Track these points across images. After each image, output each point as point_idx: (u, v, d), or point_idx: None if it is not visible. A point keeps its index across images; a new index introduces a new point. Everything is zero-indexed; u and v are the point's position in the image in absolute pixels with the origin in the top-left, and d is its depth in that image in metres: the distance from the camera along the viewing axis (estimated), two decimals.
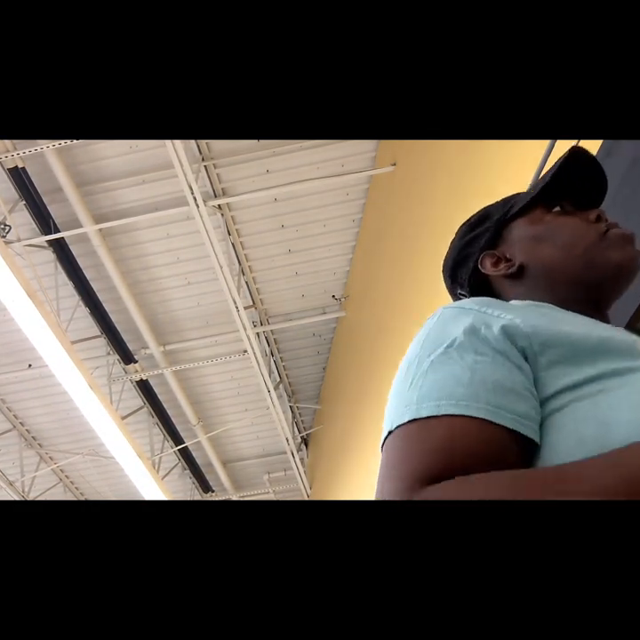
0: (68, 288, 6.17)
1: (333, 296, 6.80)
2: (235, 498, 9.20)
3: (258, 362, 6.32)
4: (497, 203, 1.01)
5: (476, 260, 0.95)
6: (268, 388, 6.61)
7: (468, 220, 1.04)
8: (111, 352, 6.84)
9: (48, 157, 5.28)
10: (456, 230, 1.06)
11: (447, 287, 1.03)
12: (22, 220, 5.65)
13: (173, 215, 5.82)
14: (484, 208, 1.01)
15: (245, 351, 6.35)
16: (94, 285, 6.23)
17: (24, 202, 5.50)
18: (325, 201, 5.93)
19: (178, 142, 4.77)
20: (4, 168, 5.31)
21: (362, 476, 6.00)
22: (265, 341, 7.17)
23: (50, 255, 5.94)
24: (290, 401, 8.03)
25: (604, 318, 0.87)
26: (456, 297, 1.00)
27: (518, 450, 0.63)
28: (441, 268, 1.05)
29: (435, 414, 0.64)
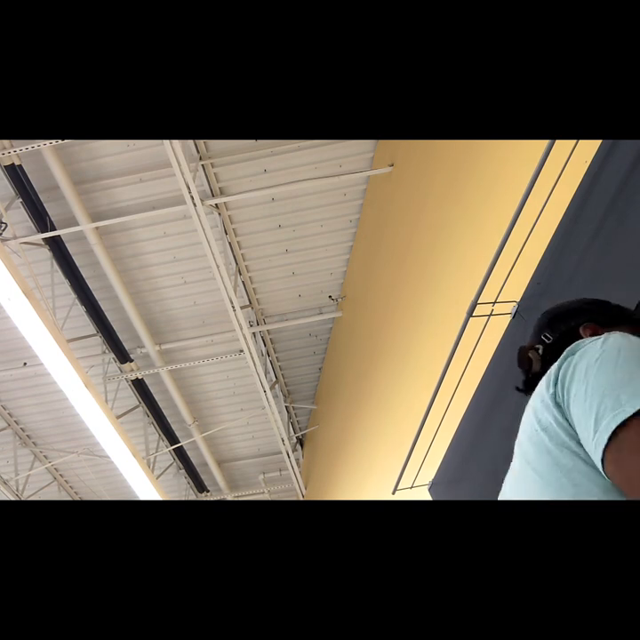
0: (64, 286, 6.15)
1: (330, 296, 6.80)
2: (230, 498, 9.19)
3: (254, 362, 6.32)
4: (611, 303, 1.34)
5: (579, 325, 1.23)
6: (263, 388, 6.61)
7: (587, 299, 1.36)
8: (107, 351, 6.83)
9: (45, 155, 5.26)
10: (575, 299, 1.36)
11: (543, 324, 1.30)
12: (19, 217, 5.63)
13: (170, 214, 5.81)
14: (605, 300, 1.35)
15: (241, 351, 6.35)
16: (90, 284, 6.22)
17: (20, 199, 5.48)
18: (323, 201, 5.93)
19: (176, 141, 4.76)
20: (0, 165, 5.30)
21: (357, 477, 6.00)
22: (261, 341, 7.16)
23: (46, 253, 5.92)
24: (285, 401, 8.03)
25: None
26: (540, 333, 1.27)
27: None
28: (549, 310, 1.34)
29: None
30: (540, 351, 1.23)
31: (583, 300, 1.35)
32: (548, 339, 1.24)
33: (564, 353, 1.01)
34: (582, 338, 1.18)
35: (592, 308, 1.31)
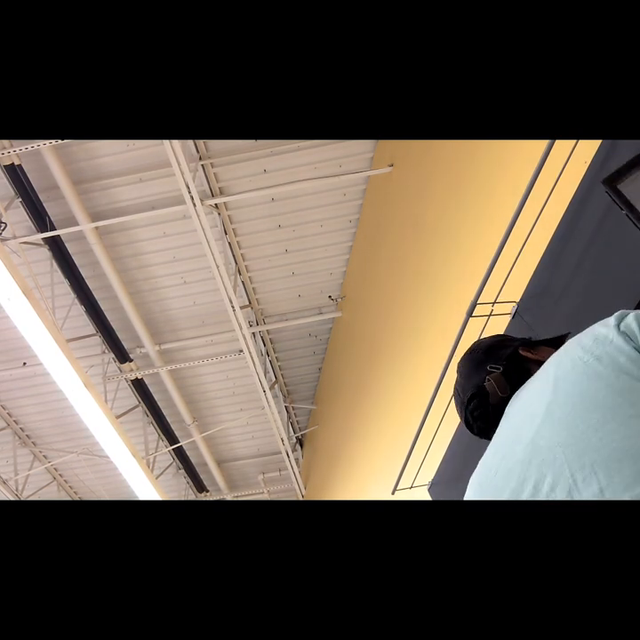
0: (63, 286, 6.15)
1: (330, 296, 6.80)
2: (229, 498, 9.18)
3: (253, 362, 6.31)
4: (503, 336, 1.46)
5: (515, 349, 1.31)
6: (263, 388, 6.61)
7: (486, 338, 1.47)
8: (106, 351, 6.83)
9: (45, 155, 5.26)
10: (473, 347, 1.46)
11: (479, 360, 1.35)
12: (18, 217, 5.63)
13: (170, 214, 5.81)
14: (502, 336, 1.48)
15: (241, 351, 6.34)
16: (90, 284, 6.22)
17: (20, 199, 5.48)
18: (322, 201, 5.93)
19: (175, 141, 4.76)
20: (0, 165, 5.30)
21: (357, 477, 6.00)
22: (261, 341, 7.16)
23: (46, 253, 5.92)
24: (285, 401, 8.03)
25: None
26: (482, 366, 1.31)
27: None
28: (474, 348, 1.42)
29: None
30: (498, 378, 1.25)
31: (485, 339, 1.44)
32: (499, 368, 1.27)
33: (616, 317, 0.97)
34: (527, 358, 1.26)
35: (505, 338, 1.41)
